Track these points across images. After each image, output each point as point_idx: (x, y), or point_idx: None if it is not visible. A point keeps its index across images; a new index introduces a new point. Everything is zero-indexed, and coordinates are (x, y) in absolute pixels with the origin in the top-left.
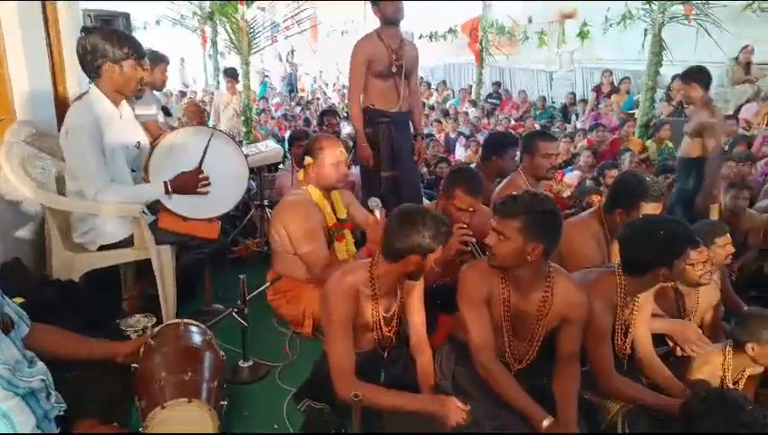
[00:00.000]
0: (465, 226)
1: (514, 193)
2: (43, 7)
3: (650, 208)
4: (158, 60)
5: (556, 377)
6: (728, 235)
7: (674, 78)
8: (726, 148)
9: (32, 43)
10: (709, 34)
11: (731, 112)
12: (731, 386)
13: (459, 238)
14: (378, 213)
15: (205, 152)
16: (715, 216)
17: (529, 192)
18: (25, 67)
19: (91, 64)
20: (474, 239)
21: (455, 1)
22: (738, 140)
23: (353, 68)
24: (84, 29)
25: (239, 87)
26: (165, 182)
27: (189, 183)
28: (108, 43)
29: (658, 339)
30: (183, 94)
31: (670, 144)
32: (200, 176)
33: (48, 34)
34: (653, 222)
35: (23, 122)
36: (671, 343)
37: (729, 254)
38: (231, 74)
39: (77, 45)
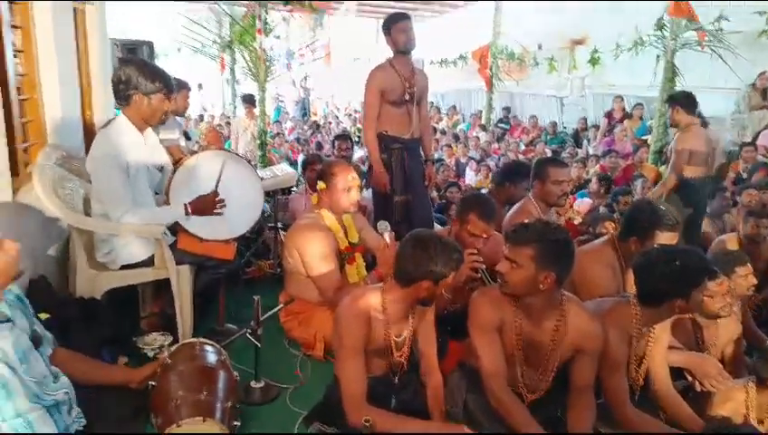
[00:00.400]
0: (477, 252)
1: (527, 221)
2: (76, 37)
3: (665, 238)
4: (181, 87)
5: (570, 409)
6: (749, 265)
7: None
8: (745, 175)
9: (64, 70)
10: (724, 60)
11: (749, 139)
12: (756, 425)
13: (470, 265)
14: (387, 236)
15: (220, 176)
16: (733, 245)
17: (541, 220)
18: (58, 94)
19: (123, 93)
20: (484, 266)
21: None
22: (757, 167)
23: (368, 96)
24: (121, 60)
25: (256, 112)
26: (185, 204)
27: (207, 205)
28: (141, 75)
29: (676, 373)
30: (201, 118)
31: None
32: (216, 199)
33: (79, 62)
34: (668, 252)
35: (53, 146)
36: (690, 378)
37: (751, 285)
38: (249, 100)
39: (113, 74)
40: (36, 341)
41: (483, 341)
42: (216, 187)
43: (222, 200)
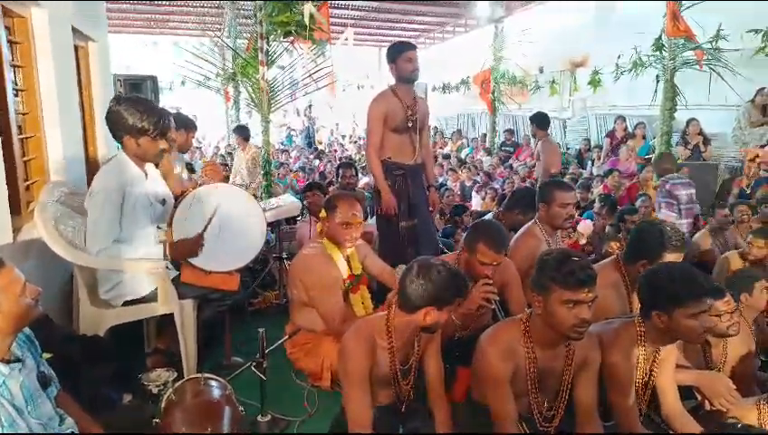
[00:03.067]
0: (491, 282)
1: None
2: (79, 73)
3: (672, 258)
4: (188, 126)
5: (578, 431)
6: (764, 279)
7: (689, 122)
8: (748, 191)
9: (66, 108)
10: (722, 78)
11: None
12: None
13: (483, 295)
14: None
15: (211, 218)
16: (737, 264)
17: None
18: (60, 131)
19: (114, 132)
20: (497, 297)
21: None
22: (761, 183)
23: (371, 123)
24: (114, 99)
25: (258, 143)
26: (163, 243)
27: (189, 250)
28: (130, 117)
29: (685, 391)
30: (198, 149)
31: None
32: (201, 242)
33: (81, 99)
34: (663, 266)
35: (56, 183)
36: (699, 396)
37: None
38: (239, 132)
39: (107, 112)
40: (44, 381)
41: (495, 394)
42: (204, 230)
43: (202, 244)
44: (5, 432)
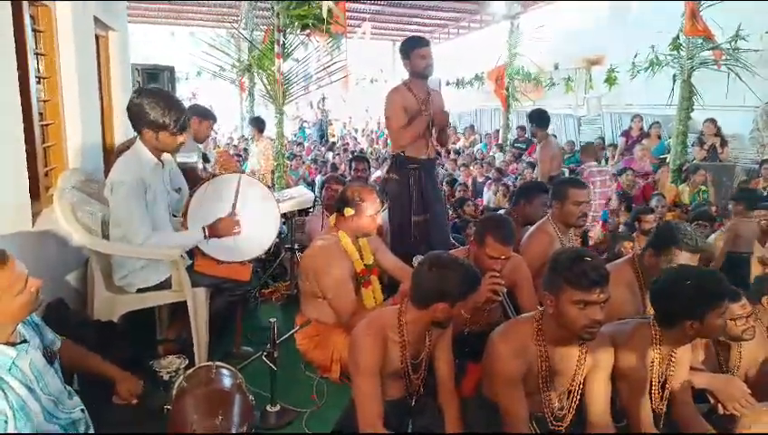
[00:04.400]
0: (498, 275)
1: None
2: (99, 63)
3: (684, 257)
4: (207, 117)
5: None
6: None
7: (705, 122)
8: (766, 193)
9: (86, 96)
10: (741, 79)
11: (767, 157)
12: None
13: (490, 287)
14: None
15: (236, 198)
16: (757, 270)
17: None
18: (79, 119)
19: (134, 123)
20: (505, 289)
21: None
22: None
23: (393, 113)
24: (137, 91)
25: (272, 135)
26: (203, 227)
27: (225, 227)
28: (152, 111)
29: (699, 395)
30: (212, 139)
31: (704, 188)
32: (235, 220)
33: (101, 88)
34: (685, 272)
35: (74, 170)
36: (713, 400)
37: None
38: (256, 124)
39: (128, 103)
40: (49, 357)
41: (506, 391)
42: (234, 208)
43: (239, 222)
44: (16, 414)
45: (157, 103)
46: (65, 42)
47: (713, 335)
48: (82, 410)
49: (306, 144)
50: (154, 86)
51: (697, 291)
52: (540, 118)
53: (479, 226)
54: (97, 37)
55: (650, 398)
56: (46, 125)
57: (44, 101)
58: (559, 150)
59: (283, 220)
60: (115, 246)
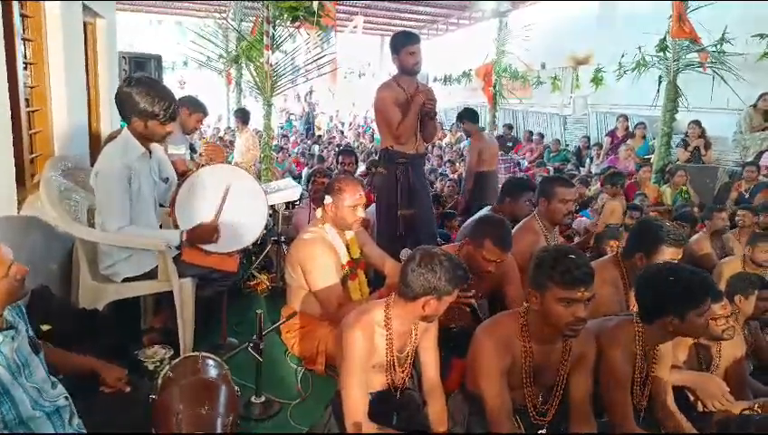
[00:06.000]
0: (471, 294)
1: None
2: (86, 50)
3: (670, 254)
4: (198, 109)
5: (572, 427)
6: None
7: (690, 124)
8: (747, 195)
9: (73, 83)
10: (725, 82)
11: (751, 159)
12: None
13: (462, 300)
14: None
15: (222, 204)
16: (737, 267)
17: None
18: (66, 106)
19: (123, 111)
20: (476, 304)
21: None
22: (760, 188)
23: (384, 108)
24: (126, 79)
25: (258, 126)
26: (182, 232)
27: (205, 234)
28: (141, 100)
29: (678, 393)
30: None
31: (685, 189)
32: (215, 226)
33: (87, 75)
34: (669, 268)
35: (60, 157)
36: (692, 398)
37: None
38: (238, 115)
39: (117, 91)
40: (35, 346)
41: (490, 385)
42: (218, 216)
43: (219, 230)
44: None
45: (147, 92)
46: (53, 27)
47: (693, 334)
48: (66, 398)
49: (292, 138)
50: (143, 74)
51: (682, 289)
52: (468, 114)
53: (478, 226)
54: (85, 24)
55: (632, 394)
56: (33, 111)
57: (31, 87)
58: (490, 145)
59: (270, 212)
60: (101, 235)
